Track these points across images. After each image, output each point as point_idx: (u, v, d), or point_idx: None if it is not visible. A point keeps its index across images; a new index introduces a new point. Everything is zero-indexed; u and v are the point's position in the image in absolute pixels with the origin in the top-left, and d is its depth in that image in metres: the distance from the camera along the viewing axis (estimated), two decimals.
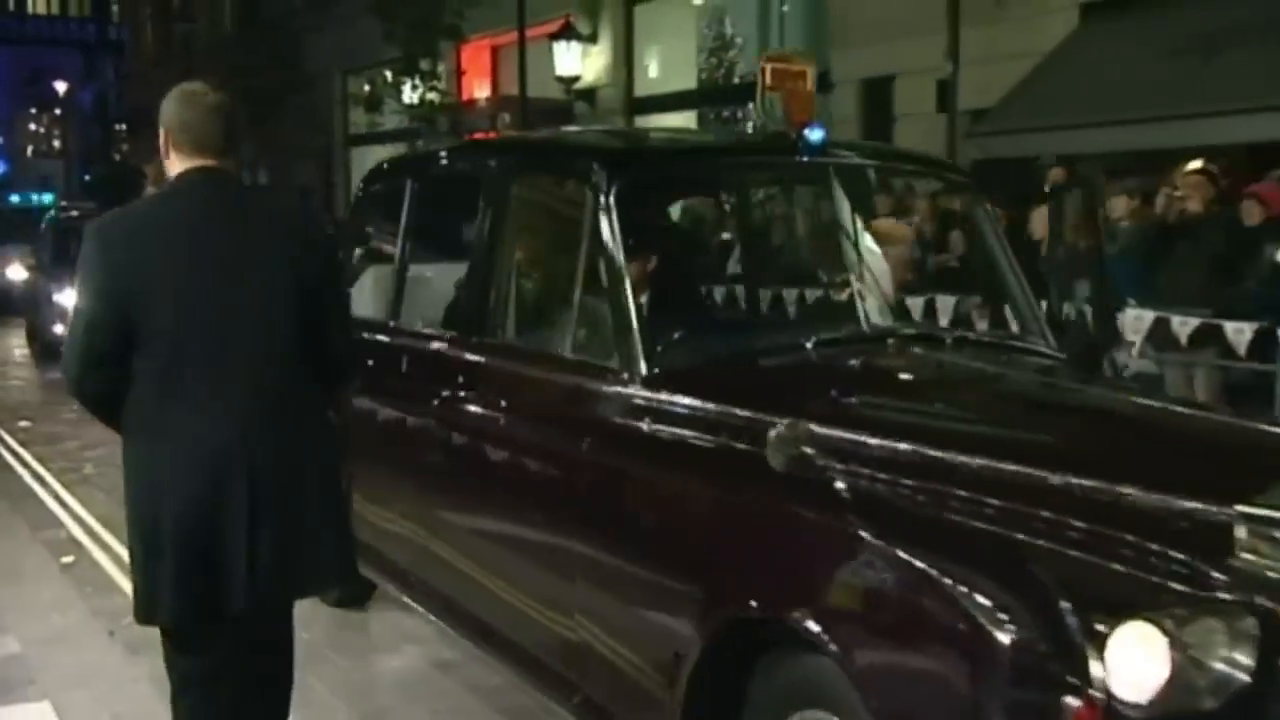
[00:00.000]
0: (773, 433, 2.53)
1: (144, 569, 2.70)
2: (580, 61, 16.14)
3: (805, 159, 3.63)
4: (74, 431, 8.72)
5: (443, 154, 5.30)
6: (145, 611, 2.73)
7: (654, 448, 3.02)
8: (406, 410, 4.16)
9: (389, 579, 4.28)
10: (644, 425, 3.06)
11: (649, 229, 4.15)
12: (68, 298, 11.78)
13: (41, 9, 52.88)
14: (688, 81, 16.52)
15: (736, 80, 16.18)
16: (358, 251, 5.00)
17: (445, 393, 3.85)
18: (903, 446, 2.60)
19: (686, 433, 2.97)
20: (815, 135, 3.54)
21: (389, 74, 18.07)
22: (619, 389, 3.16)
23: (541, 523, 3.32)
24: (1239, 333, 6.78)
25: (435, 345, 4.12)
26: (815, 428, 2.56)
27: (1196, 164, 7.98)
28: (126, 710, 3.93)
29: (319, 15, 22.56)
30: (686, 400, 3.02)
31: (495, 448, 3.68)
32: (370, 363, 4.35)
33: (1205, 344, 7.00)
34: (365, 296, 4.65)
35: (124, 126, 40.48)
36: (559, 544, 3.19)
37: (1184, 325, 7.03)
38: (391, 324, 4.44)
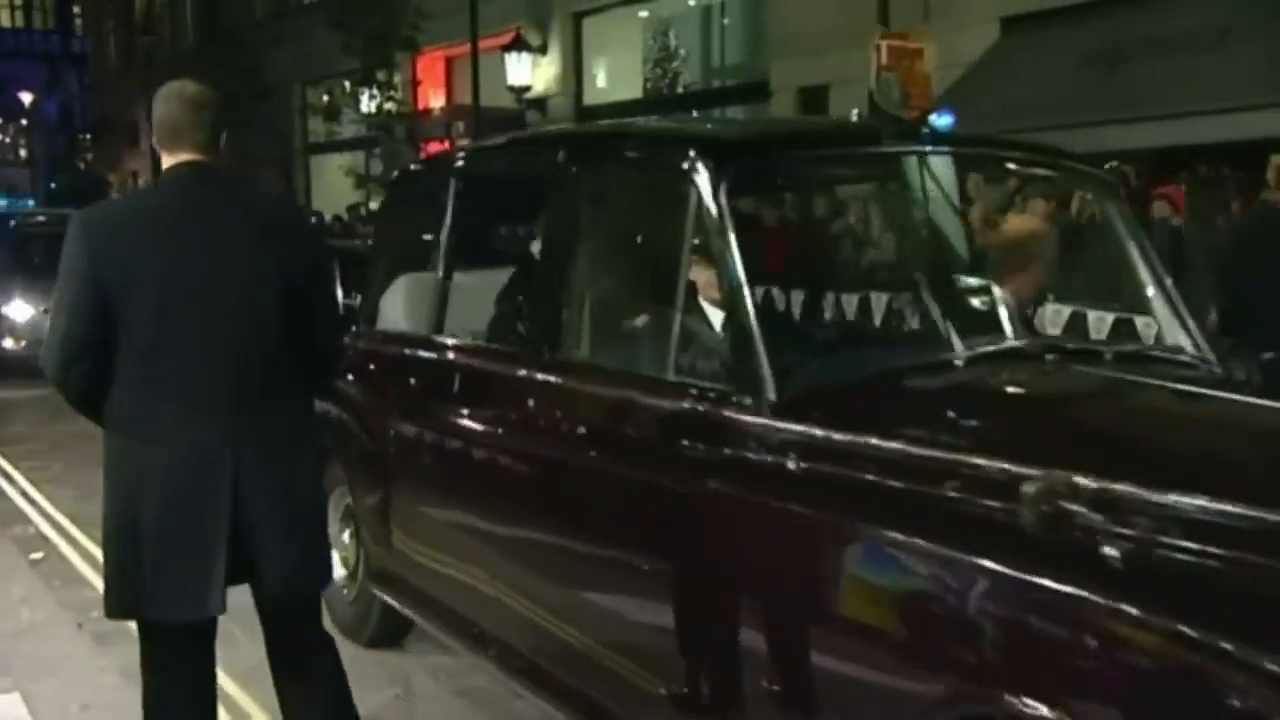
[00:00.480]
0: (1028, 486, 1.98)
1: (123, 564, 2.60)
2: (531, 72, 16.11)
3: (932, 148, 3.11)
4: (42, 431, 8.55)
5: (498, 148, 4.48)
6: (121, 606, 2.65)
7: (811, 494, 2.35)
8: (459, 436, 3.55)
9: (438, 623, 3.73)
10: (789, 463, 2.41)
11: (760, 229, 3.58)
12: (16, 310, 11.48)
13: (5, 22, 51.82)
14: (634, 91, 16.59)
15: (680, 90, 16.27)
16: (388, 259, 4.44)
17: (507, 416, 3.31)
18: (1191, 502, 1.91)
19: (857, 475, 2.29)
20: (943, 121, 3.11)
21: (347, 84, 17.99)
22: (743, 417, 2.53)
23: (648, 576, 2.71)
24: (1148, 326, 6.89)
25: (491, 362, 3.53)
26: (1080, 480, 1.97)
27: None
28: (95, 699, 3.86)
29: (279, 28, 22.36)
30: (839, 435, 2.38)
31: (579, 484, 3.06)
32: (412, 381, 3.95)
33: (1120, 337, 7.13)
34: (400, 307, 4.15)
35: (88, 136, 39.89)
36: (681, 606, 2.62)
37: (1100, 320, 7.14)
38: (434, 338, 3.85)
